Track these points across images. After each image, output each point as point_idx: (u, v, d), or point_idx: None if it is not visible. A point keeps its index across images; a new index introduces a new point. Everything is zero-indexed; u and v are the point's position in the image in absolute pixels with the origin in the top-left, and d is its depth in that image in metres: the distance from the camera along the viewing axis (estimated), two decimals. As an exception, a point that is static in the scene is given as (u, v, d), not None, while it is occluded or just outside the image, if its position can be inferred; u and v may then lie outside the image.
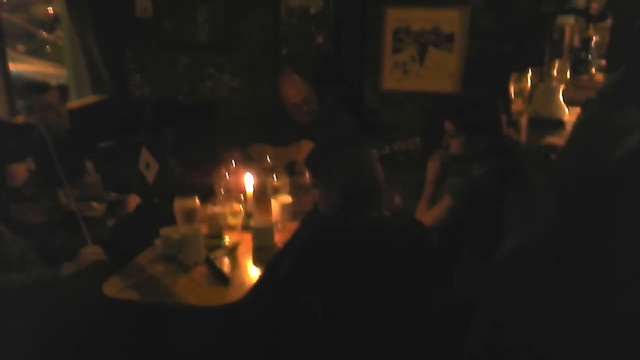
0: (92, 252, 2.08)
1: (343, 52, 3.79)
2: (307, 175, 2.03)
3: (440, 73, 3.65)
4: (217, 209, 2.38)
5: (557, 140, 2.56)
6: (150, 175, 2.70)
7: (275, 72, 3.76)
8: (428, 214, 2.33)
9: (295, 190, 2.66)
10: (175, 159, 2.97)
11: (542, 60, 3.19)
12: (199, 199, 2.35)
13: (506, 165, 2.23)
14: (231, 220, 2.41)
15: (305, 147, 2.76)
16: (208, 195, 2.60)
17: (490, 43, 3.54)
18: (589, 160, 1.08)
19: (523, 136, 2.81)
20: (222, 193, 2.56)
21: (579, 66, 2.97)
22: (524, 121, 2.85)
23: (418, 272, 1.90)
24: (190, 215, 2.30)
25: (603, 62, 2.93)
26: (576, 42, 3.08)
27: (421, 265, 1.90)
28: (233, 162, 2.76)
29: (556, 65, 2.94)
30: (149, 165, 2.70)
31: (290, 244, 2.28)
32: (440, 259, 2.23)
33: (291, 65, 3.58)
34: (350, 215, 1.87)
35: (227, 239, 2.31)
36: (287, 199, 2.52)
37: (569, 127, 2.70)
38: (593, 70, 2.97)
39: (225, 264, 2.14)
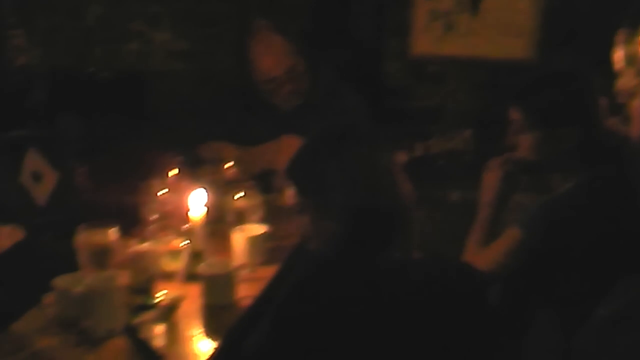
0: None
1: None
2: (291, 191, 2.03)
3: (504, 29, 3.67)
4: (145, 247, 2.39)
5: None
6: (41, 192, 2.72)
7: (242, 28, 3.76)
8: (485, 254, 2.36)
9: (271, 215, 2.68)
10: (85, 167, 2.98)
11: (667, 11, 3.20)
12: (118, 229, 2.35)
13: (606, 175, 2.25)
14: (168, 264, 2.42)
15: (288, 147, 2.76)
16: (131, 224, 2.61)
17: (585, -18, 3.57)
18: None
19: (635, 130, 2.81)
20: (154, 221, 2.57)
21: None
22: (637, 105, 2.86)
23: (470, 342, 1.90)
24: (102, 256, 2.30)
25: None
26: None
27: (475, 331, 1.91)
28: (173, 170, 2.77)
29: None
30: (39, 176, 2.71)
31: (264, 301, 2.27)
32: (503, 321, 2.23)
33: (268, 17, 3.59)
34: (358, 256, 1.87)
35: (162, 294, 2.31)
36: (258, 229, 2.54)
37: None
38: None
39: (158, 334, 2.13)
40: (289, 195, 2.06)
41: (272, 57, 3.12)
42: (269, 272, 2.44)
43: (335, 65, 3.57)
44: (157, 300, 2.28)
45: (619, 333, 1.29)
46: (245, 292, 2.33)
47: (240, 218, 2.62)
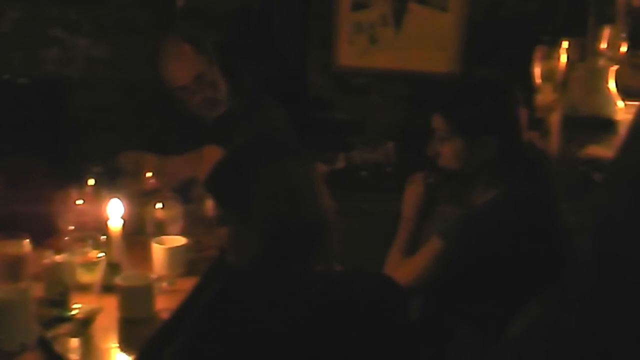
0: None
1: (273, 6, 3.81)
2: (211, 202, 2.01)
3: (426, 43, 3.71)
4: (60, 258, 2.36)
5: (605, 150, 2.62)
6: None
7: (164, 37, 3.74)
8: (405, 267, 2.35)
9: (192, 226, 2.66)
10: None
11: (584, 27, 3.27)
12: (31, 240, 2.32)
13: (526, 188, 2.28)
14: (84, 276, 2.39)
15: (209, 158, 2.75)
16: (45, 234, 2.57)
17: (505, -2, 3.63)
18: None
19: (553, 143, 2.87)
20: (70, 231, 2.53)
21: (640, 36, 3.06)
22: (554, 120, 2.91)
23: (388, 355, 1.90)
24: (13, 267, 2.27)
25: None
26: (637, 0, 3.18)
27: (394, 346, 1.91)
28: (89, 180, 2.74)
29: (606, 34, 3.02)
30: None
31: (183, 314, 2.25)
32: (423, 335, 2.26)
33: (191, 24, 3.57)
34: (279, 268, 1.86)
35: (77, 307, 2.27)
36: (178, 240, 2.52)
37: (623, 129, 2.77)
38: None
39: (73, 348, 2.10)
40: (209, 206, 2.04)
41: (179, 65, 3.11)
42: (188, 284, 2.42)
43: (258, 76, 3.57)
44: (72, 313, 2.25)
45: (531, 349, 1.30)
46: (164, 305, 2.31)
47: (160, 229, 2.59)
